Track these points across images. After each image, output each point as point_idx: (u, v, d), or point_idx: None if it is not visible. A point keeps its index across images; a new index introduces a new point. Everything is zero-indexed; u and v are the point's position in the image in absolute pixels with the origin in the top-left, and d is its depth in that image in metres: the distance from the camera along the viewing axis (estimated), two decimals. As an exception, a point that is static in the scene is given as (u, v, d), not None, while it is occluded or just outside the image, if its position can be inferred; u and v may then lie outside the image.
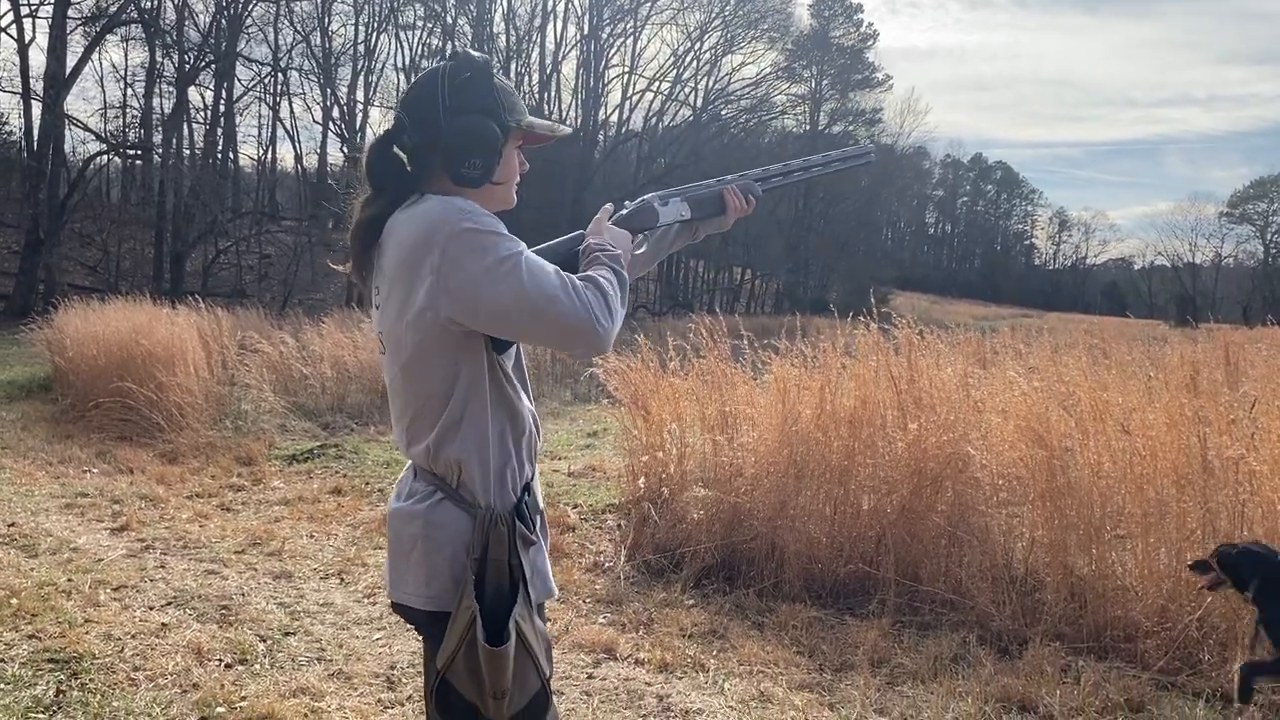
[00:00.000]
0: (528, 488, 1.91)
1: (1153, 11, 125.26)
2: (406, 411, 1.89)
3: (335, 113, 31.27)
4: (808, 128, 48.62)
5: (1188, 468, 4.74)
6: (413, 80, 1.97)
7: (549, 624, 2.04)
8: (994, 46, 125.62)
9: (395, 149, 1.89)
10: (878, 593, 4.92)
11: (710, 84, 41.70)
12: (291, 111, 33.99)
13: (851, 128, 49.22)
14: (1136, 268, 76.25)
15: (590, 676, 4.03)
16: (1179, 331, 22.99)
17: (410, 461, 1.95)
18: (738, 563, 5.31)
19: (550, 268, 1.78)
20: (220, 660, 4.12)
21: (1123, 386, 5.32)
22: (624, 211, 2.13)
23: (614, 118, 39.78)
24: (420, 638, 1.99)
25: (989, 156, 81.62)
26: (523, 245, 1.81)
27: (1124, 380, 5.46)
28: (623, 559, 5.57)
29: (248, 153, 35.13)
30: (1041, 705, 3.78)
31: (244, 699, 3.71)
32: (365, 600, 5.03)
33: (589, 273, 1.84)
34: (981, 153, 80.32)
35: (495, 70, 1.92)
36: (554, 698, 1.88)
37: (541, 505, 1.99)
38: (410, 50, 33.76)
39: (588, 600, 5.04)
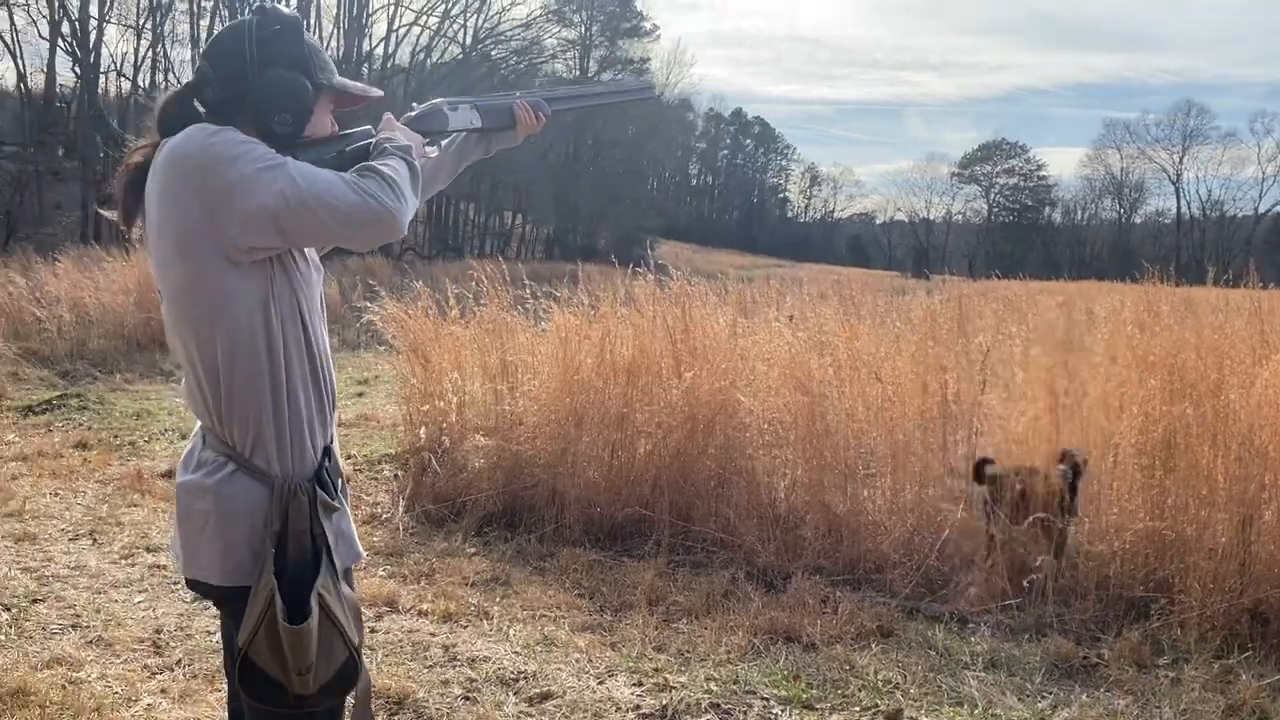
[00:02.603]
0: (328, 451, 1.87)
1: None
2: (189, 370, 1.79)
3: (65, 28, 28.21)
4: (578, 73, 48.60)
5: (930, 410, 5.22)
6: (215, 34, 1.89)
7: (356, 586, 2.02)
8: (753, 3, 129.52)
9: (196, 103, 1.81)
10: (654, 534, 5.12)
11: (480, 22, 40.82)
12: (13, 24, 30.14)
13: (620, 76, 49.59)
14: (878, 222, 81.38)
15: (373, 631, 3.98)
16: (915, 282, 24.91)
17: (199, 426, 1.86)
18: (519, 509, 5.38)
19: (322, 170, 1.74)
20: (-42, 633, 3.79)
21: (874, 335, 5.76)
22: (412, 114, 2.10)
23: (379, 50, 38.25)
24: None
25: (749, 111, 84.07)
26: (286, 157, 1.74)
27: (875, 330, 5.90)
28: (401, 510, 5.51)
29: (-42, 68, 31.24)
30: (804, 635, 4.08)
31: (-10, 673, 3.44)
32: (122, 561, 4.74)
33: (369, 163, 1.79)
34: (742, 107, 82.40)
35: (304, 27, 1.87)
36: (365, 662, 1.86)
37: (342, 467, 1.95)
38: (152, -37, 30.84)
39: (366, 553, 4.95)
